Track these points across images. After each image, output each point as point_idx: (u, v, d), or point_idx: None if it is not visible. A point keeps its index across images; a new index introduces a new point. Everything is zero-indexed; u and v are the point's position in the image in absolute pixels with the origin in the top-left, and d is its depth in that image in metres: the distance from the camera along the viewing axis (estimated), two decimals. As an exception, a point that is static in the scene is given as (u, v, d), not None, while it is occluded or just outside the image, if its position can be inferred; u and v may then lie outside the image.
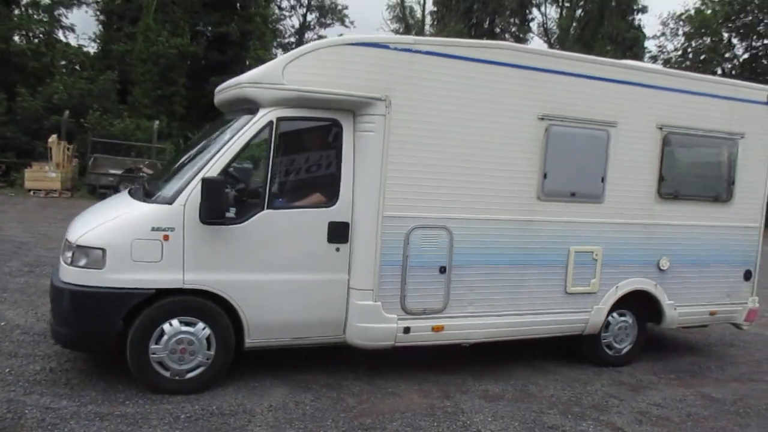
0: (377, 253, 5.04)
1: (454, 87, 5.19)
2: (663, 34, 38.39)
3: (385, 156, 4.99)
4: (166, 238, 4.57)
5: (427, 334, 5.30)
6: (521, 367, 6.01)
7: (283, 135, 4.87)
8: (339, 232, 5.01)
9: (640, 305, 6.29)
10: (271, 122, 4.81)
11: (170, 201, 4.61)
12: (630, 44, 39.34)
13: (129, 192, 5.58)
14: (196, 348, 4.70)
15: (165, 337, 4.62)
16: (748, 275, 6.73)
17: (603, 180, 5.85)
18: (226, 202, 4.57)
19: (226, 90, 5.47)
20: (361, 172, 5.02)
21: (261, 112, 4.82)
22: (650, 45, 42.09)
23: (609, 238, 5.95)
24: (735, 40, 39.40)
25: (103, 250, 4.50)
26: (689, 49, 40.66)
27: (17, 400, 4.40)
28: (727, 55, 39.20)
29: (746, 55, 38.53)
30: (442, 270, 5.28)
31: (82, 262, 4.53)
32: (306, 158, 5.10)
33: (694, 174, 6.34)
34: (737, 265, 6.67)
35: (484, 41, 5.57)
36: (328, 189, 5.02)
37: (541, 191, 5.59)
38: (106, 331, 4.57)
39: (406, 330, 5.20)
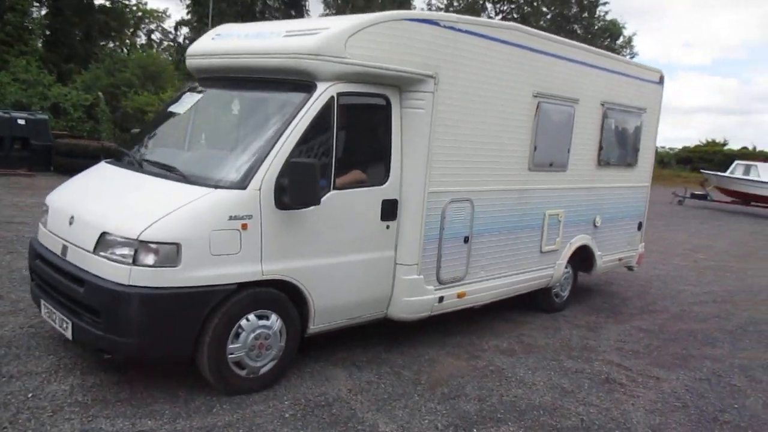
0: (422, 228, 5.15)
1: (482, 65, 5.41)
2: (431, -10, 41.62)
3: (432, 132, 5.06)
4: (244, 227, 4.14)
5: (454, 301, 5.61)
6: (498, 321, 6.61)
7: (340, 111, 4.63)
8: (390, 210, 5.01)
9: (576, 258, 7.30)
10: (332, 98, 4.55)
11: (242, 185, 4.15)
12: (401, 0, 41.53)
13: (128, 167, 4.81)
14: (272, 342, 4.40)
15: (243, 334, 4.24)
16: (639, 226, 8.20)
17: (568, 151, 6.62)
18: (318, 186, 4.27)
19: (243, 56, 4.91)
20: (410, 149, 5.03)
21: (321, 87, 4.52)
22: (419, 2, 45.08)
23: (569, 201, 6.79)
24: (489, 4, 44.38)
25: (178, 245, 3.91)
26: (450, 8, 44.57)
27: (90, 429, 3.71)
28: (483, 16, 43.77)
29: (498, 17, 43.57)
30: (466, 240, 5.59)
31: (150, 260, 3.90)
32: (360, 136, 4.91)
33: (617, 143, 7.45)
34: (634, 218, 8.08)
35: (502, 22, 5.82)
36: (381, 166, 4.95)
37: (532, 162, 6.15)
38: (185, 335, 4.03)
39: (440, 299, 5.45)
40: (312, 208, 4.42)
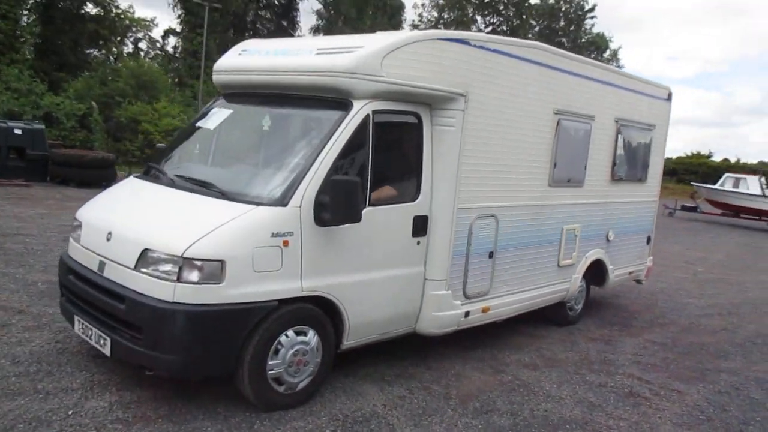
0: (451, 244, 5.21)
1: (508, 84, 5.51)
2: (423, 4, 42.07)
3: (461, 150, 5.13)
4: (285, 243, 4.17)
5: (479, 316, 5.66)
6: (516, 335, 6.67)
7: (375, 129, 4.68)
8: (421, 226, 5.06)
9: (590, 272, 7.39)
10: (368, 116, 4.61)
11: (283, 203, 4.19)
12: (393, 12, 41.89)
13: (161, 182, 4.83)
14: (310, 358, 4.42)
15: (282, 350, 4.26)
16: (648, 240, 8.33)
17: (585, 167, 6.73)
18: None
19: (275, 73, 4.94)
20: (440, 166, 5.09)
21: (357, 105, 4.57)
22: (410, 15, 45.47)
23: (584, 216, 6.88)
24: (478, 16, 44.88)
25: (222, 262, 3.94)
26: (441, 21, 45.00)
27: (137, 446, 3.71)
28: (473, 28, 44.26)
29: (488, 29, 44.12)
30: (490, 255, 5.66)
31: (194, 277, 3.91)
32: (393, 153, 4.96)
33: (629, 159, 7.57)
34: (644, 232, 8.21)
35: (527, 41, 5.91)
36: (412, 183, 5.01)
37: (551, 178, 6.25)
38: (228, 352, 4.04)
39: (467, 314, 5.50)
40: (351, 223, 4.46)
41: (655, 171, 8.14)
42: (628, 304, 8.85)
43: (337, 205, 4.18)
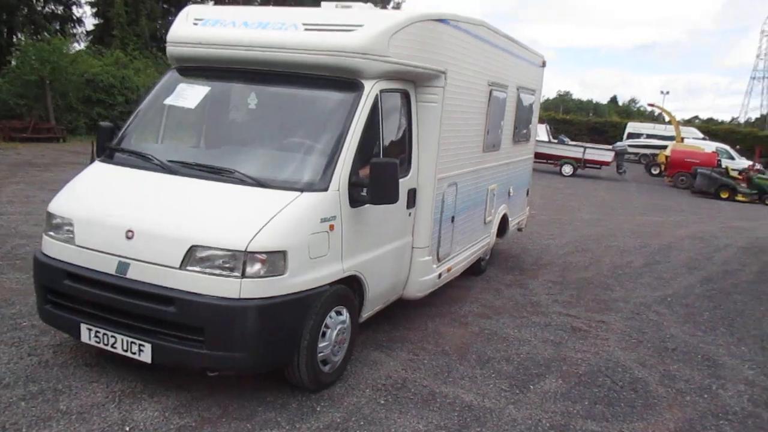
0: (431, 213, 5.58)
1: (466, 59, 5.92)
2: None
3: (440, 124, 5.47)
4: (331, 228, 4.22)
5: (445, 276, 6.17)
6: (448, 288, 7.14)
7: (382, 108, 4.80)
8: (412, 198, 5.34)
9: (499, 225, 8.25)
10: (377, 95, 4.72)
11: (325, 187, 4.20)
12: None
13: (154, 168, 4.45)
14: (346, 336, 4.55)
15: (328, 332, 4.34)
16: (527, 192, 9.47)
17: (501, 132, 7.46)
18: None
19: (262, 49, 4.68)
20: (424, 140, 5.38)
21: (368, 85, 4.64)
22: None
23: (499, 176, 7.66)
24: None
25: (284, 253, 3.88)
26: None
27: None
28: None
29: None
30: (452, 219, 6.14)
31: (259, 271, 3.81)
32: (392, 130, 5.08)
33: (522, 122, 8.48)
34: (526, 186, 9.32)
35: (476, 18, 6.25)
36: (405, 158, 5.23)
37: (485, 145, 6.86)
38: (291, 341, 4.02)
39: (440, 276, 5.96)
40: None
41: (533, 131, 9.22)
42: (508, 249, 9.98)
43: (379, 186, 4.29)
